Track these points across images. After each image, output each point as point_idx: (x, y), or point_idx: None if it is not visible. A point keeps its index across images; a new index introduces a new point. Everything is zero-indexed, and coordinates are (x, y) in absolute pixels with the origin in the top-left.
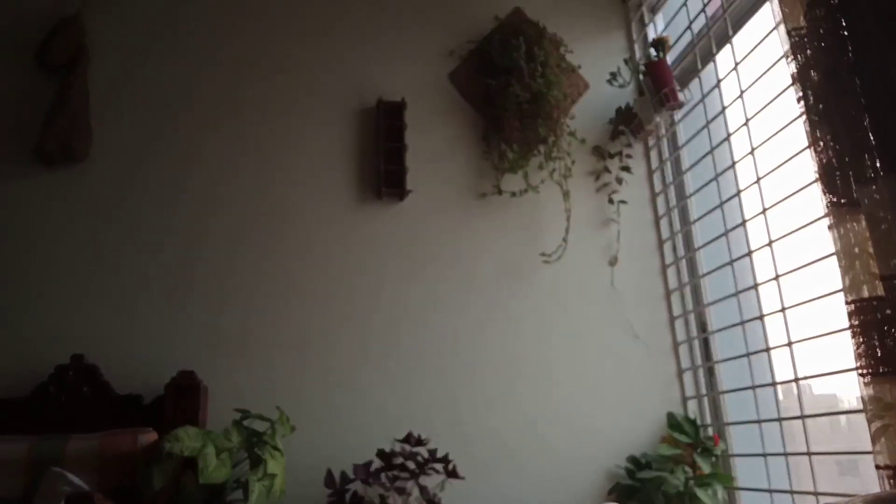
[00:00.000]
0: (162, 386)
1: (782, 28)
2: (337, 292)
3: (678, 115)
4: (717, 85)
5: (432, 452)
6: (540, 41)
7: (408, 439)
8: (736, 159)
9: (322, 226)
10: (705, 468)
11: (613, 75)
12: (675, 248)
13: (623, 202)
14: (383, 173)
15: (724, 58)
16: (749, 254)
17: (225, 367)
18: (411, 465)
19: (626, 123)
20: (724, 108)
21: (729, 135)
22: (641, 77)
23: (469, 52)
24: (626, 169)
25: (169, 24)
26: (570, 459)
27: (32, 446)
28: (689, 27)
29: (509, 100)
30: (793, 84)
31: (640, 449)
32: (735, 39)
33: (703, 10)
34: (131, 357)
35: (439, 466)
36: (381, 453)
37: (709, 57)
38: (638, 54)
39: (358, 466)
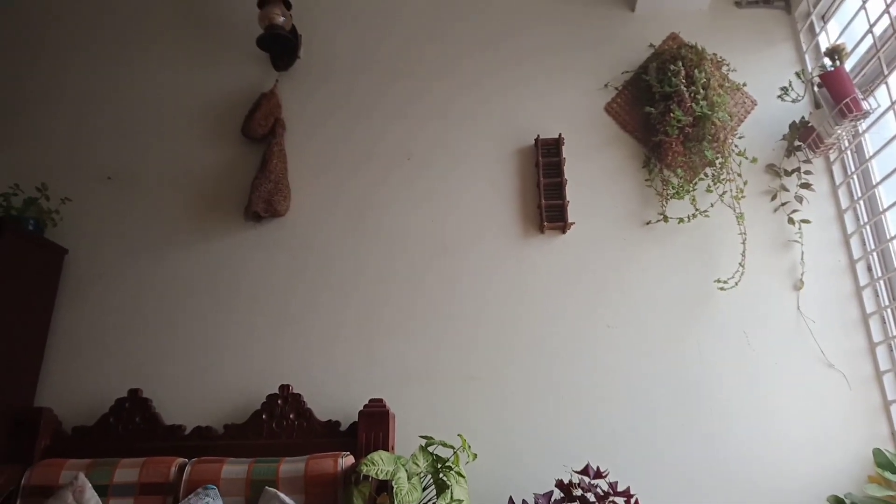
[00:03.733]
0: (356, 413)
1: None
2: (508, 325)
3: (863, 125)
4: None
5: (613, 485)
6: (700, 64)
7: (586, 471)
8: None
9: (489, 262)
10: None
11: (784, 90)
12: (870, 268)
13: (805, 221)
14: (544, 208)
15: None
16: None
17: (409, 396)
18: (591, 497)
19: (803, 138)
20: None
21: None
22: (816, 89)
23: (624, 83)
24: (807, 186)
25: (348, 91)
26: (762, 497)
27: (252, 467)
28: (869, 30)
29: (671, 125)
30: None
31: (844, 488)
32: None
33: (885, 11)
34: (329, 386)
35: (620, 500)
36: (560, 484)
37: None
38: (810, 65)
39: (539, 496)
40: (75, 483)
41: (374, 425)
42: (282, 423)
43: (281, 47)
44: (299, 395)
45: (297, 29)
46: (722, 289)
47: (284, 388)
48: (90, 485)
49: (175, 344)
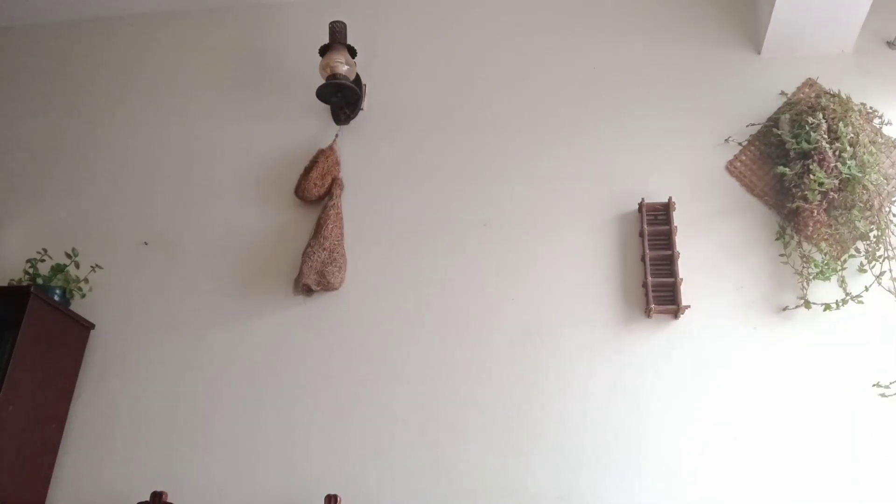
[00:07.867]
0: None
1: None
2: (608, 431)
3: None
4: None
5: None
6: (845, 116)
7: None
8: None
9: (583, 353)
10: None
11: None
12: None
13: None
14: (651, 286)
15: None
16: None
17: None
18: None
19: None
20: None
21: None
22: None
23: (750, 138)
24: None
25: (416, 147)
26: None
27: None
28: None
29: (811, 189)
30: None
31: None
32: None
33: None
34: (384, 500)
35: None
36: None
37: None
38: None
39: None
40: None
41: None
42: None
43: (343, 98)
44: None
45: (362, 78)
46: (883, 395)
47: (331, 498)
48: None
49: (208, 439)
